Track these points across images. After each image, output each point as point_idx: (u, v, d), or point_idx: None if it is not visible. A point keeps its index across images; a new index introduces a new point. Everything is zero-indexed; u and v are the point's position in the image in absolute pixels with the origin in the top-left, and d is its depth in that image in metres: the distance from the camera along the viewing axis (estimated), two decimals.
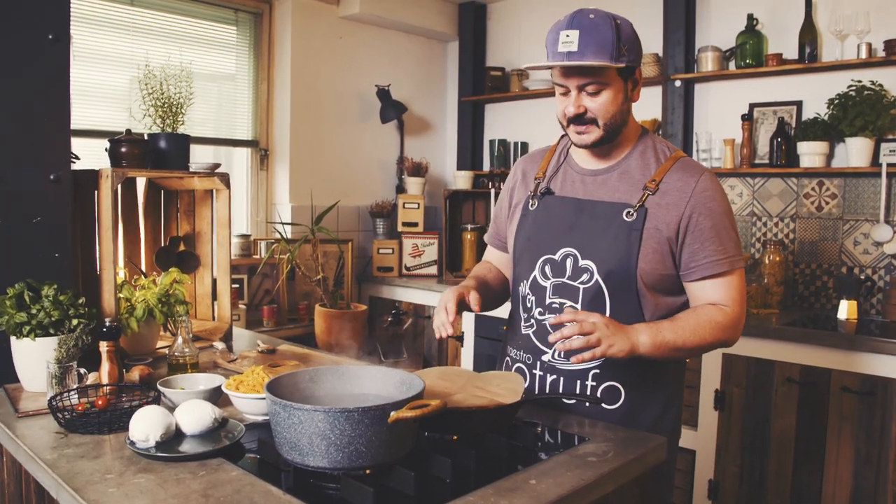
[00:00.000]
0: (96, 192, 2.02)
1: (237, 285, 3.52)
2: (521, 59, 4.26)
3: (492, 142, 4.31)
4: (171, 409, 1.44)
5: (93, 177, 2.01)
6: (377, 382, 1.37)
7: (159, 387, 1.55)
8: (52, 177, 1.87)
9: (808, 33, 3.07)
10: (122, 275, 2.20)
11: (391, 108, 4.11)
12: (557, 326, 1.44)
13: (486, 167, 4.42)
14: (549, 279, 1.59)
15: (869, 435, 2.48)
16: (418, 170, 4.23)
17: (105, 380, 1.60)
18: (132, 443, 1.30)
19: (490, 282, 1.77)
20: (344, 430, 1.12)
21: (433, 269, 4.08)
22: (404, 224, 4.11)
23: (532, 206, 1.66)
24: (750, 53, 3.23)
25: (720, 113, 3.43)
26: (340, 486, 1.15)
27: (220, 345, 2.18)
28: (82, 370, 1.60)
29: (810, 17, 3.08)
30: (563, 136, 1.70)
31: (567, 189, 1.64)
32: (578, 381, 1.57)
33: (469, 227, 4.05)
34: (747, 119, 3.26)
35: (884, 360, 2.43)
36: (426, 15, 4.29)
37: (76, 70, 2.13)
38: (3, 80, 1.78)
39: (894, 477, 2.43)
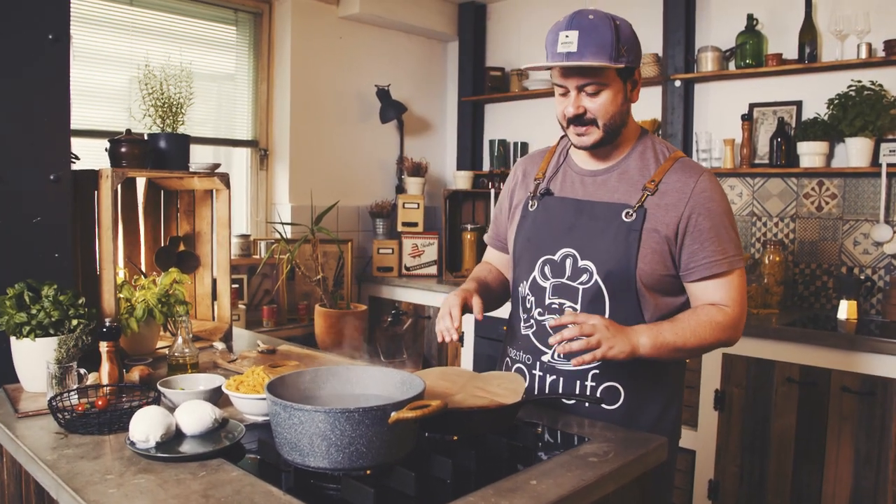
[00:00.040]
0: (96, 192, 2.02)
1: (237, 285, 3.52)
2: (520, 59, 4.25)
3: (491, 142, 4.31)
4: (172, 409, 1.44)
5: (93, 177, 2.01)
6: (377, 383, 1.37)
7: (159, 387, 1.55)
8: (52, 177, 1.87)
9: (808, 33, 3.07)
10: (121, 275, 2.20)
11: (391, 108, 4.11)
12: (558, 328, 1.44)
13: (486, 167, 4.42)
14: (548, 280, 1.59)
15: (869, 435, 2.48)
16: (418, 170, 4.22)
17: (105, 380, 1.60)
18: (132, 443, 1.30)
19: (490, 283, 1.77)
20: (344, 430, 1.12)
21: (433, 269, 4.08)
22: (404, 224, 4.11)
23: (532, 206, 1.66)
24: (750, 53, 3.23)
25: (720, 113, 3.43)
26: (341, 486, 1.15)
27: (220, 345, 2.18)
28: (82, 370, 1.60)
29: (810, 17, 3.08)
30: (562, 137, 1.70)
31: (566, 190, 1.64)
32: (578, 382, 1.57)
33: (469, 227, 4.05)
34: (747, 119, 3.26)
35: (884, 360, 2.43)
36: (426, 15, 4.29)
37: (76, 70, 2.13)
38: (3, 80, 1.78)
39: (894, 477, 2.43)
